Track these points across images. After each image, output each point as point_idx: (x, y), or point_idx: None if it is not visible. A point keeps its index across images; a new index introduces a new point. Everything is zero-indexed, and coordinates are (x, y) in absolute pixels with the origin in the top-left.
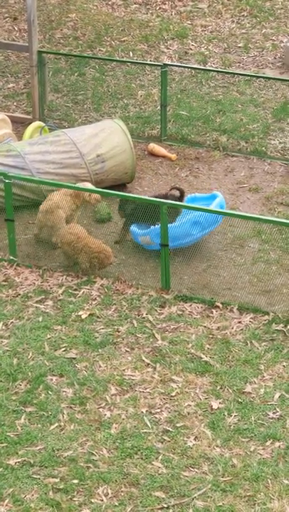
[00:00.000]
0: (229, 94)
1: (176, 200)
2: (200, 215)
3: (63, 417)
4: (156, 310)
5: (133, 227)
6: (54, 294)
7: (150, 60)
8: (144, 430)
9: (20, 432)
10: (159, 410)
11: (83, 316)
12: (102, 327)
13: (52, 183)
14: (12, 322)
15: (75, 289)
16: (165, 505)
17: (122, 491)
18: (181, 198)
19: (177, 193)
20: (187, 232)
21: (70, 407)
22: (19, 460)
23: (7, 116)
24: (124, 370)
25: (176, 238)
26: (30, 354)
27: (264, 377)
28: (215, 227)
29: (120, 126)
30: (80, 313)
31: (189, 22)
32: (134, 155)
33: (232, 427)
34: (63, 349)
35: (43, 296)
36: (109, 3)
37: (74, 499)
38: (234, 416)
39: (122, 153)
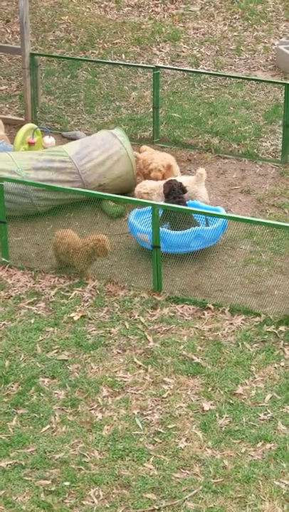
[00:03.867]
0: (221, 96)
1: (178, 189)
2: (204, 231)
3: (55, 418)
4: (148, 312)
5: (133, 221)
6: (46, 295)
7: (142, 63)
8: (136, 432)
9: (11, 434)
10: (150, 412)
11: (75, 318)
12: (94, 329)
13: (46, 186)
14: (4, 324)
15: (67, 291)
16: (156, 507)
17: (113, 493)
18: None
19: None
20: (187, 244)
21: (62, 409)
22: (10, 462)
23: None
24: (115, 371)
25: (175, 246)
26: (22, 356)
27: (255, 378)
28: (214, 243)
29: (128, 153)
30: (72, 315)
31: (181, 24)
32: (134, 181)
33: (223, 428)
34: (55, 351)
35: (35, 298)
36: (102, 5)
37: (65, 501)
38: (225, 417)
39: (123, 182)
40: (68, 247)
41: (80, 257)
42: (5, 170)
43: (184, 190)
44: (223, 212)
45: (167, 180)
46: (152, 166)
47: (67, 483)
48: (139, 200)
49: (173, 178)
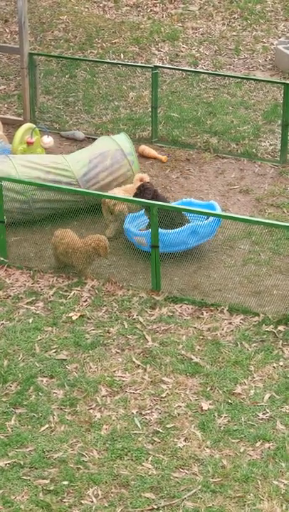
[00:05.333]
0: (220, 96)
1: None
2: (199, 226)
3: (54, 418)
4: (146, 311)
5: (128, 226)
6: (45, 295)
7: (141, 62)
8: (135, 431)
9: (10, 434)
10: (149, 411)
11: (74, 318)
12: (92, 328)
13: (45, 185)
14: (2, 323)
15: (66, 291)
16: (155, 507)
17: (112, 492)
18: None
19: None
20: (183, 241)
21: (61, 409)
22: (9, 462)
23: None
24: (114, 371)
25: (172, 245)
26: (21, 355)
27: (254, 378)
28: (211, 237)
29: (134, 175)
30: (70, 315)
31: (180, 24)
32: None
33: (222, 428)
34: (54, 350)
35: (34, 298)
36: (101, 5)
37: (64, 500)
38: (224, 417)
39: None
40: (67, 247)
41: (80, 256)
42: (12, 190)
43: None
44: (217, 206)
45: (141, 184)
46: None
47: (65, 483)
48: (138, 199)
49: (146, 183)
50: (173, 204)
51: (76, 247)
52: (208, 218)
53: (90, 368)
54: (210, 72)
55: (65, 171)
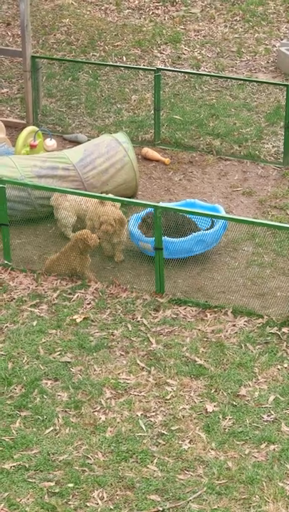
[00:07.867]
0: (222, 98)
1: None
2: (206, 235)
3: (58, 420)
4: (150, 313)
5: (134, 229)
6: (49, 298)
7: (143, 65)
8: (139, 434)
9: (15, 436)
10: (154, 414)
11: (78, 320)
12: (96, 331)
13: (47, 188)
14: (7, 326)
15: (70, 293)
16: (160, 509)
17: (117, 495)
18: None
19: None
20: (189, 249)
21: (65, 411)
22: (14, 464)
23: (1, 121)
24: (119, 373)
25: (178, 253)
26: (25, 358)
27: (258, 380)
28: (216, 244)
29: (132, 162)
30: (74, 317)
31: (182, 27)
32: (137, 189)
33: (227, 430)
34: (58, 353)
35: (38, 300)
36: (103, 8)
37: (69, 503)
38: (229, 419)
39: (126, 190)
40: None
41: (73, 257)
42: (11, 177)
43: None
44: (222, 210)
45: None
46: (103, 219)
47: (71, 485)
48: (140, 201)
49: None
50: (176, 206)
51: (67, 249)
52: (212, 222)
53: (95, 370)
54: (212, 74)
55: (62, 158)
